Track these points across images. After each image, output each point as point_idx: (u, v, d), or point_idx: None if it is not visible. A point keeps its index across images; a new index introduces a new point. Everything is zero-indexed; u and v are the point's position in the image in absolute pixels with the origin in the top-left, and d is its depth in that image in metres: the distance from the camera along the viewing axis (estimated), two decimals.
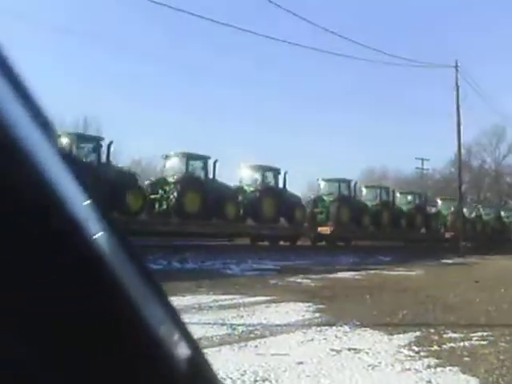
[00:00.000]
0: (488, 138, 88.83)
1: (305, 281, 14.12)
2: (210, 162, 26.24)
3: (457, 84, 36.31)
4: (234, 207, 26.41)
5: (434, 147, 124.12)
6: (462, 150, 42.48)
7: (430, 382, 4.92)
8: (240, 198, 27.45)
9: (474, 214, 44.82)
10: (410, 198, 41.35)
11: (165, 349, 0.59)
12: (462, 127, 36.83)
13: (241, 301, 9.91)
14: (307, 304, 9.67)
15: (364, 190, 38.08)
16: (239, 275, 15.46)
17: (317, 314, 8.64)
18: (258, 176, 29.33)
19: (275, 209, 28.36)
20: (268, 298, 10.37)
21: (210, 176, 26.08)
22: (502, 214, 50.75)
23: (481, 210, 45.40)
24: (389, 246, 35.43)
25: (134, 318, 0.56)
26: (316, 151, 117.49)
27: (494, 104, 71.76)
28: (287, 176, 29.96)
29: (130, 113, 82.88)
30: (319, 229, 30.78)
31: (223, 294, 10.73)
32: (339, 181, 33.33)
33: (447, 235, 40.24)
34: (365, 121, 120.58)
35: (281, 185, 29.62)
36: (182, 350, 0.62)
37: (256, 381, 4.81)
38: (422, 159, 75.25)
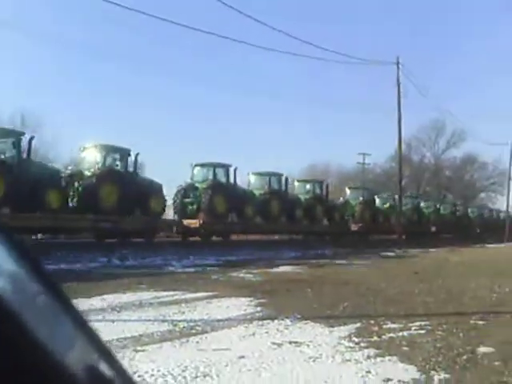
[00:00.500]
0: (427, 133, 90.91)
1: (246, 275, 14.13)
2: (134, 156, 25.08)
3: (398, 80, 36.99)
4: (159, 202, 25.63)
5: (376, 142, 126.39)
6: (403, 145, 43.24)
7: (369, 371, 4.98)
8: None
9: (387, 205, 44.08)
10: (359, 193, 41.88)
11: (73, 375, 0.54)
12: (402, 122, 37.49)
13: (182, 297, 9.83)
14: (249, 298, 9.67)
15: (296, 184, 38.45)
16: (180, 271, 15.33)
17: (258, 309, 8.65)
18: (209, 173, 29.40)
19: (226, 204, 28.49)
20: (209, 293, 10.32)
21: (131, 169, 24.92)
22: (422, 204, 51.65)
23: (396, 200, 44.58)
24: (326, 239, 35.94)
25: (32, 342, 0.51)
26: (262, 146, 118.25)
27: (433, 100, 73.37)
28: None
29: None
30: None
31: (164, 290, 10.61)
32: (270, 175, 33.06)
33: (354, 227, 39.08)
34: (307, 117, 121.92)
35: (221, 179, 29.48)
36: (99, 371, 0.58)
37: (197, 376, 4.77)
38: (364, 154, 76.52)
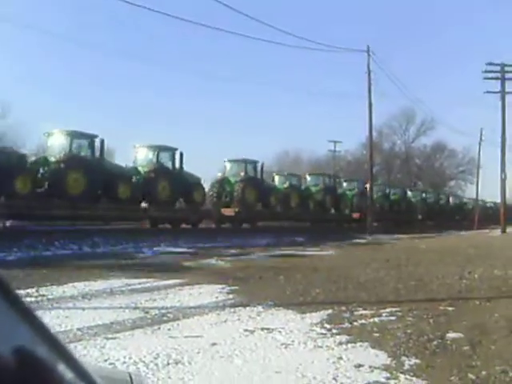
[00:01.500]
0: (398, 121, 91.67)
1: (219, 263, 14.13)
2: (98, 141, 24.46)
3: (368, 68, 37.22)
4: (128, 188, 25.05)
5: (347, 130, 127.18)
6: (374, 133, 43.43)
7: (341, 358, 5.01)
8: (134, 179, 26.09)
9: (353, 192, 43.77)
10: (320, 179, 41.80)
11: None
12: (373, 110, 37.67)
13: (154, 284, 9.79)
14: (221, 286, 9.67)
15: (276, 177, 38.34)
16: (152, 258, 15.28)
17: (230, 296, 8.64)
18: (152, 156, 27.83)
19: (171, 190, 27.33)
20: (181, 280, 10.30)
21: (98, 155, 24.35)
22: (387, 191, 52.10)
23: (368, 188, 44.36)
24: (299, 226, 36.02)
25: None
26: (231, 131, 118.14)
27: (404, 88, 73.88)
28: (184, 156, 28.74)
29: None
30: (223, 210, 30.23)
31: (135, 277, 10.56)
32: (245, 161, 32.89)
33: (354, 216, 40.00)
34: (279, 104, 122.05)
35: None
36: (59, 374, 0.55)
37: (169, 363, 4.75)
38: (335, 142, 76.91)
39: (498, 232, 43.51)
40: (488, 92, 44.17)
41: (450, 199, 63.74)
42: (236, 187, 31.30)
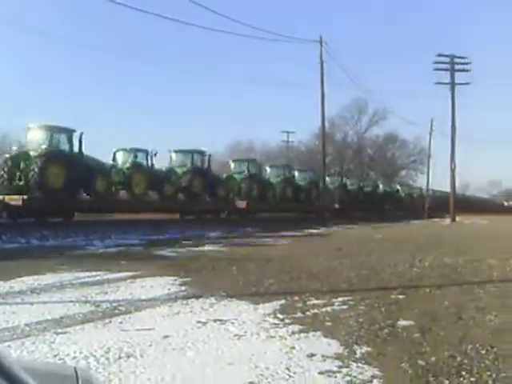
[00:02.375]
0: (350, 111, 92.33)
1: (171, 254, 14.02)
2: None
3: (321, 58, 37.37)
4: (105, 182, 25.80)
5: (300, 120, 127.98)
6: (326, 124, 43.67)
7: (294, 347, 5.02)
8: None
9: (307, 182, 43.49)
10: (279, 171, 41.54)
11: None
12: (326, 101, 37.85)
13: (105, 277, 9.65)
14: (173, 278, 9.59)
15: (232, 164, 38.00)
16: (103, 251, 15.07)
17: (183, 288, 8.58)
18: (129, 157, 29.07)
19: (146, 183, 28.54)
20: (133, 273, 10.18)
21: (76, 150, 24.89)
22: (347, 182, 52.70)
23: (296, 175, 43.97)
24: (253, 217, 35.90)
25: None
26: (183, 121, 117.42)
27: (356, 79, 74.61)
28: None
29: None
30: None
31: (86, 270, 10.38)
32: (192, 152, 32.55)
33: (240, 204, 35.91)
34: (230, 95, 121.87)
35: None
36: None
37: (120, 357, 4.69)
38: (288, 132, 77.31)
39: (447, 221, 44.39)
40: (438, 83, 44.97)
41: (380, 187, 59.95)
42: (183, 178, 30.97)
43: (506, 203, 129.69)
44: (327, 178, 52.90)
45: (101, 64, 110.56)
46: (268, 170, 41.73)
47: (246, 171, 36.86)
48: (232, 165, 39.31)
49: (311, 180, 43.89)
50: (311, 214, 41.75)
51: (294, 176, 42.59)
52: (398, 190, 63.99)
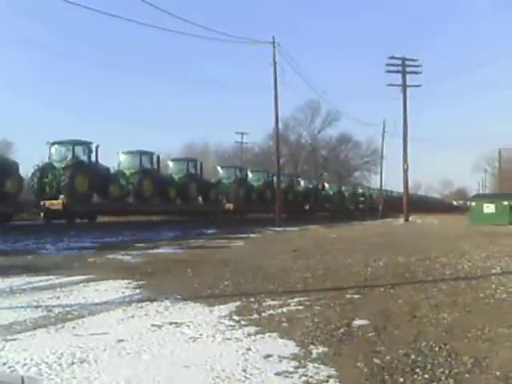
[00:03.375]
0: (304, 112, 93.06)
1: (125, 257, 13.86)
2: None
3: (274, 60, 37.41)
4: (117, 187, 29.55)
5: (254, 122, 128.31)
6: (280, 125, 43.71)
7: (250, 349, 5.00)
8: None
9: (260, 183, 43.54)
10: (231, 171, 41.29)
11: None
12: (279, 102, 37.97)
13: (57, 281, 9.46)
14: (127, 281, 9.47)
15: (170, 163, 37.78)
16: (55, 255, 14.80)
17: (137, 291, 8.48)
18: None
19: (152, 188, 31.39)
20: (86, 276, 10.01)
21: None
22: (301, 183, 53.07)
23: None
24: (206, 219, 35.75)
25: None
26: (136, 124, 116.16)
27: (309, 80, 75.10)
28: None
29: None
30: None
31: (38, 275, 10.16)
32: (140, 153, 32.35)
33: (228, 206, 37.68)
34: (181, 96, 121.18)
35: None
36: None
37: (73, 363, 4.59)
38: (242, 133, 77.42)
39: (401, 221, 45.03)
40: (390, 85, 45.62)
41: (301, 183, 54.52)
42: (131, 179, 30.77)
43: (455, 203, 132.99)
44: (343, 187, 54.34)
45: (50, 64, 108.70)
46: (220, 171, 41.66)
47: (185, 171, 36.58)
48: (220, 171, 41.34)
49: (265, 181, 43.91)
50: (263, 214, 41.86)
51: (247, 178, 42.56)
52: (323, 188, 58.76)
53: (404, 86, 45.12)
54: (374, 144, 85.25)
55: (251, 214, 41.43)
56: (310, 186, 52.92)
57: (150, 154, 33.01)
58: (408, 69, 45.32)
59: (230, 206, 39.05)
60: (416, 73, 45.63)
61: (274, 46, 37.33)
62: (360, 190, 70.90)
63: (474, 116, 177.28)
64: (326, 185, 60.89)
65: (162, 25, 60.89)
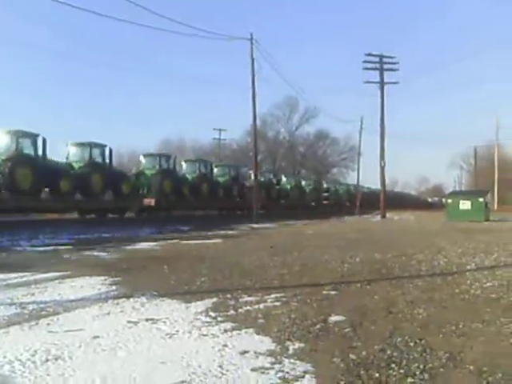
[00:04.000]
0: (282, 109, 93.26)
1: (101, 254, 13.76)
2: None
3: (252, 57, 37.37)
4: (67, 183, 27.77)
5: (232, 118, 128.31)
6: (258, 121, 43.60)
7: (226, 345, 4.99)
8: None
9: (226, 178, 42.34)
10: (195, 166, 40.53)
11: None
12: (257, 98, 37.93)
13: (32, 278, 9.36)
14: (103, 277, 9.40)
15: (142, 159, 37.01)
16: (30, 251, 14.65)
17: (113, 287, 8.42)
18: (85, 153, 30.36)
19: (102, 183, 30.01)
20: (62, 273, 9.92)
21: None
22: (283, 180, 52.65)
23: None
24: (182, 215, 35.37)
25: None
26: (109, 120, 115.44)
27: (287, 77, 75.21)
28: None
29: None
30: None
31: (12, 272, 10.05)
32: (90, 145, 30.62)
33: (146, 202, 34.42)
34: (157, 92, 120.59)
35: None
36: None
37: (48, 360, 4.55)
38: (220, 130, 77.31)
39: (378, 217, 45.28)
40: (368, 82, 45.79)
41: (251, 177, 46.53)
42: (79, 172, 29.39)
43: (429, 199, 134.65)
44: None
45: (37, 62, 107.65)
46: (184, 165, 40.50)
47: (158, 166, 35.72)
48: (184, 165, 39.32)
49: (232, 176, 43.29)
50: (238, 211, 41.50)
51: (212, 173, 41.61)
52: (278, 182, 53.51)
53: (382, 84, 45.35)
54: (352, 141, 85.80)
55: (181, 210, 38.75)
56: (262, 179, 47.14)
57: (101, 147, 31.45)
58: (385, 66, 45.58)
59: (195, 201, 37.95)
60: (393, 70, 45.88)
61: (251, 43, 37.31)
62: (325, 185, 68.00)
63: (451, 113, 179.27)
64: (284, 178, 56.73)
65: (140, 21, 60.32)
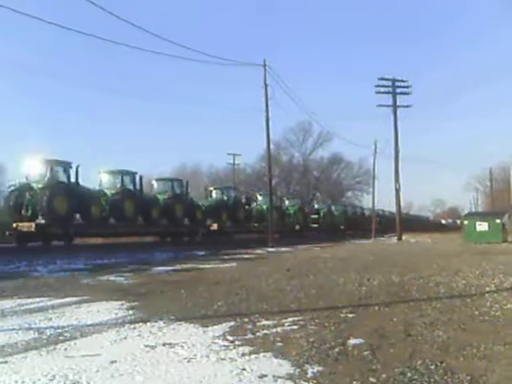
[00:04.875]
0: (295, 134, 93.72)
1: (118, 279, 13.77)
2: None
3: (265, 82, 37.70)
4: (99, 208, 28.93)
5: (246, 143, 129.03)
6: (272, 146, 43.75)
7: (244, 369, 4.94)
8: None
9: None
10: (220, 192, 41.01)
11: None
12: (271, 124, 38.12)
13: (49, 303, 9.38)
14: (120, 302, 9.40)
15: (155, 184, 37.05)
16: (47, 276, 14.68)
17: (130, 312, 8.41)
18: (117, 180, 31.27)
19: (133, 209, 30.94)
20: (79, 298, 9.94)
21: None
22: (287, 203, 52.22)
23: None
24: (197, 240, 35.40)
25: None
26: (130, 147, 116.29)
27: (300, 102, 75.67)
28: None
29: None
30: None
31: (29, 297, 10.08)
32: (122, 173, 31.60)
33: (214, 226, 36.44)
34: (175, 118, 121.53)
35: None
36: None
37: None
38: (234, 154, 77.45)
39: (394, 240, 45.03)
40: (380, 105, 45.90)
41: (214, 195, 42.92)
42: (111, 199, 30.15)
43: (443, 221, 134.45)
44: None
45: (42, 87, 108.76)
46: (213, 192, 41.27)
47: (170, 191, 35.66)
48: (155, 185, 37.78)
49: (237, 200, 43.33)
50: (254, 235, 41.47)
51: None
52: (247, 202, 45.73)
53: (394, 107, 45.47)
54: (366, 164, 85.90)
55: (244, 234, 40.46)
56: (226, 198, 42.05)
57: (132, 174, 32.22)
58: (398, 89, 45.71)
59: (215, 226, 38.40)
60: (406, 93, 46.05)
61: (265, 69, 37.66)
62: (316, 206, 62.04)
63: (465, 136, 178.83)
64: (259, 197, 49.07)
65: (163, 51, 60.96)
